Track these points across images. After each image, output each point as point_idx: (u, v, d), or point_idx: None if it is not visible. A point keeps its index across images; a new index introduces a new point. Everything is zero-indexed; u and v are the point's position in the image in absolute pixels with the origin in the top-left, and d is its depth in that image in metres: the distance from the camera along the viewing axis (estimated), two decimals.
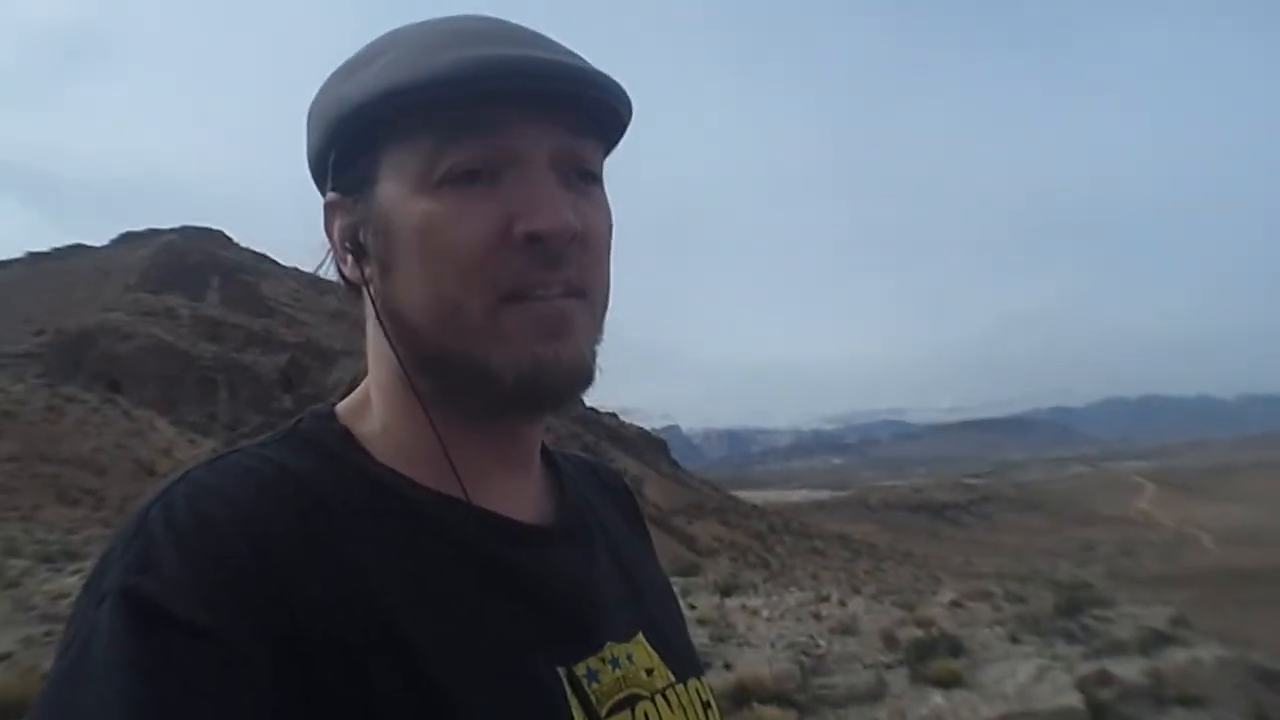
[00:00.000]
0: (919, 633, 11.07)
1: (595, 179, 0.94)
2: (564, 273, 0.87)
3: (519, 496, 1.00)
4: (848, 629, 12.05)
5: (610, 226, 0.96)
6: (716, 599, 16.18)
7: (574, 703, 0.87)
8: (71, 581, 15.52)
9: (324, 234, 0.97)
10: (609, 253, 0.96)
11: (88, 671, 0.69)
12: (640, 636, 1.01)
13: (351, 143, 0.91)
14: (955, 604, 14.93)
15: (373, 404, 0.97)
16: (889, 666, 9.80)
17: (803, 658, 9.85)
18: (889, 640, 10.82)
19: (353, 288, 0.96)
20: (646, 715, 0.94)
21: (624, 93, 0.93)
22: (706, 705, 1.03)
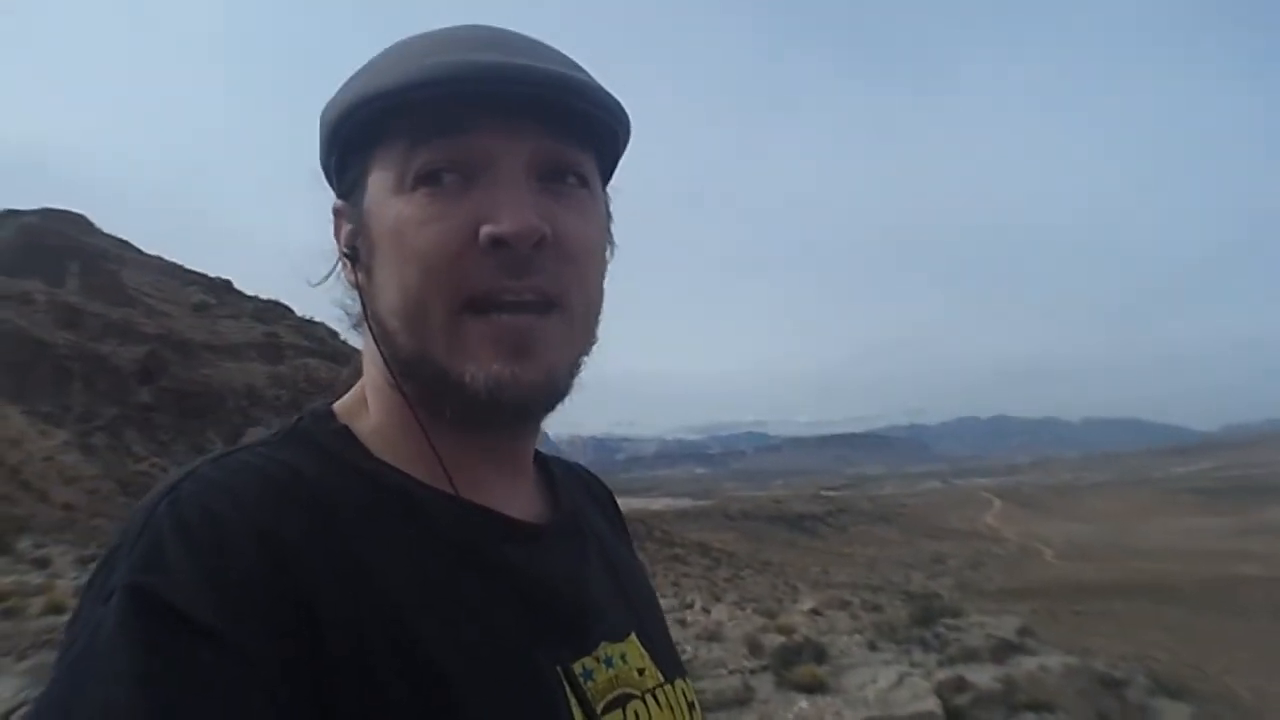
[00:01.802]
0: (782, 639, 11.39)
1: (584, 183, 0.93)
2: (533, 280, 0.87)
3: (513, 497, 1.01)
4: (713, 635, 12.31)
5: (600, 234, 0.97)
6: None
7: (572, 700, 0.88)
8: None
9: (333, 240, 1.00)
10: (596, 262, 0.96)
11: (94, 668, 0.68)
12: (633, 637, 1.03)
13: (344, 148, 0.94)
14: (815, 612, 15.41)
15: (368, 403, 0.99)
16: (754, 672, 10.06)
17: None
18: (754, 646, 11.10)
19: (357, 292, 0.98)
20: (638, 714, 0.95)
21: (615, 105, 0.93)
22: (691, 705, 1.06)
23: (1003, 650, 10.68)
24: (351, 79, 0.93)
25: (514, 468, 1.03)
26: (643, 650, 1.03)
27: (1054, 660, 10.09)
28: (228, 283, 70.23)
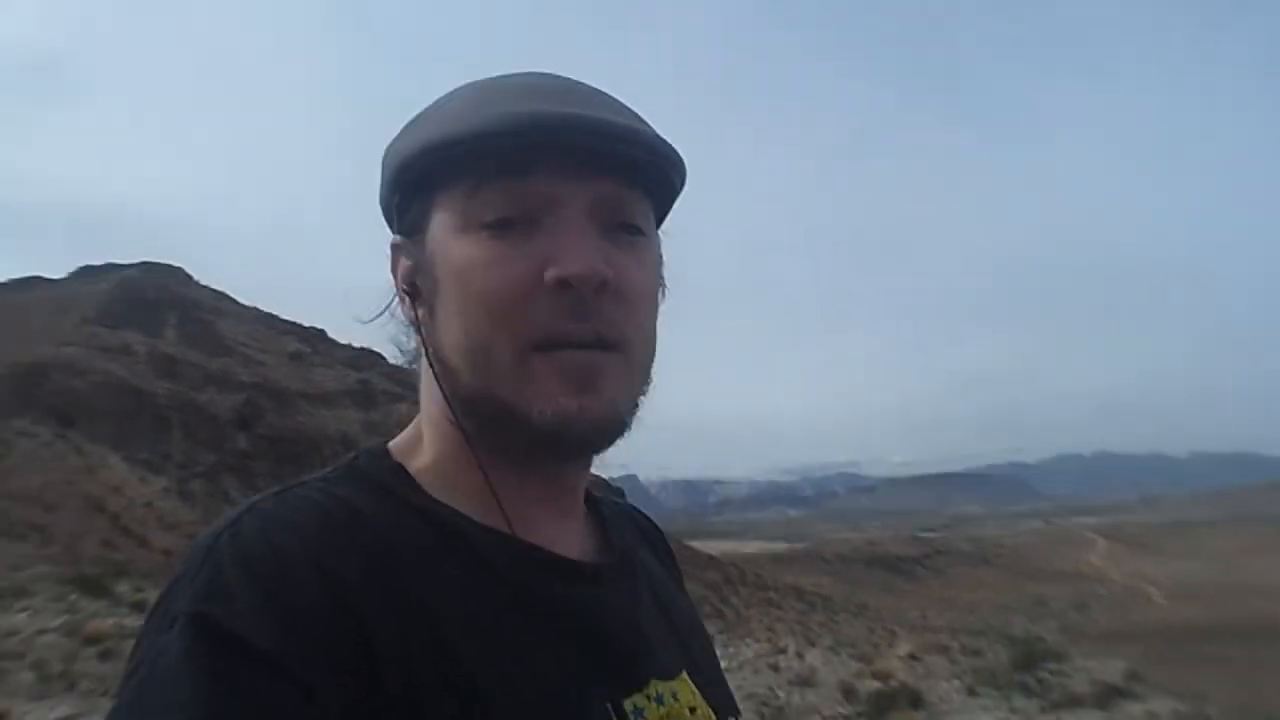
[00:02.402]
0: (878, 685, 11.06)
1: (640, 232, 0.96)
2: (594, 324, 0.89)
3: (566, 535, 1.02)
4: (806, 681, 12.01)
5: (656, 281, 0.99)
6: None
7: None
8: (20, 619, 15.24)
9: (389, 276, 1.02)
10: (651, 306, 0.98)
11: (157, 694, 0.70)
12: (684, 675, 1.02)
13: (408, 189, 0.96)
14: (912, 656, 15.00)
15: (424, 442, 1.01)
16: (849, 718, 9.77)
17: (763, 709, 9.82)
18: (848, 692, 10.81)
19: (414, 328, 1.00)
20: None
21: (674, 154, 0.96)
22: None
23: (1107, 695, 10.20)
24: (418, 121, 0.97)
25: (567, 507, 1.05)
26: (694, 689, 1.02)
27: (1163, 705, 9.61)
28: (321, 332, 72.02)
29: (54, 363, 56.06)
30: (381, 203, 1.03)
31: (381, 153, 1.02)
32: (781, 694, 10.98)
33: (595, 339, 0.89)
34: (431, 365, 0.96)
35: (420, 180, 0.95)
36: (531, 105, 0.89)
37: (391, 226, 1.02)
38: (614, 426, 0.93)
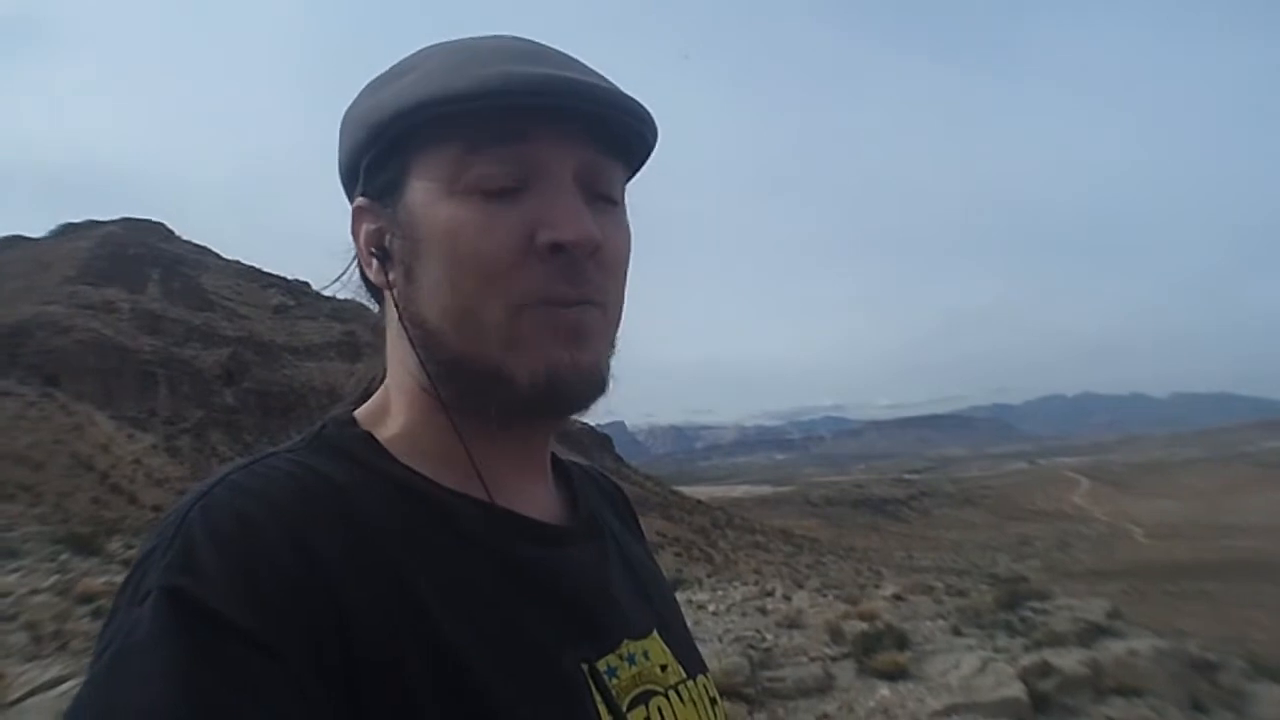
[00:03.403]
0: (864, 626, 11.19)
1: (615, 201, 0.97)
2: (584, 288, 0.90)
3: (536, 499, 1.02)
4: (794, 622, 12.13)
5: (629, 247, 0.99)
6: None
7: (597, 698, 0.89)
8: (11, 580, 15.26)
9: (350, 238, 1.00)
10: (625, 271, 0.98)
11: (131, 668, 0.69)
12: (655, 634, 1.03)
13: (385, 148, 0.93)
14: (898, 597, 15.11)
15: (392, 409, 0.99)
16: (835, 659, 9.88)
17: (750, 651, 9.91)
18: (835, 633, 10.92)
19: (375, 292, 1.00)
20: (661, 710, 0.96)
21: (651, 118, 0.96)
22: (714, 700, 1.06)
23: (1090, 633, 10.34)
24: (384, 83, 0.95)
25: (536, 471, 1.05)
26: (664, 647, 1.03)
27: (1144, 643, 9.73)
28: (305, 284, 71.19)
29: (37, 322, 55.62)
30: (344, 164, 0.99)
31: (343, 113, 0.99)
32: (769, 636, 11.07)
33: (584, 302, 0.90)
34: (406, 329, 0.94)
35: (398, 139, 0.92)
36: (512, 67, 0.88)
37: (353, 188, 0.99)
38: (600, 382, 0.93)
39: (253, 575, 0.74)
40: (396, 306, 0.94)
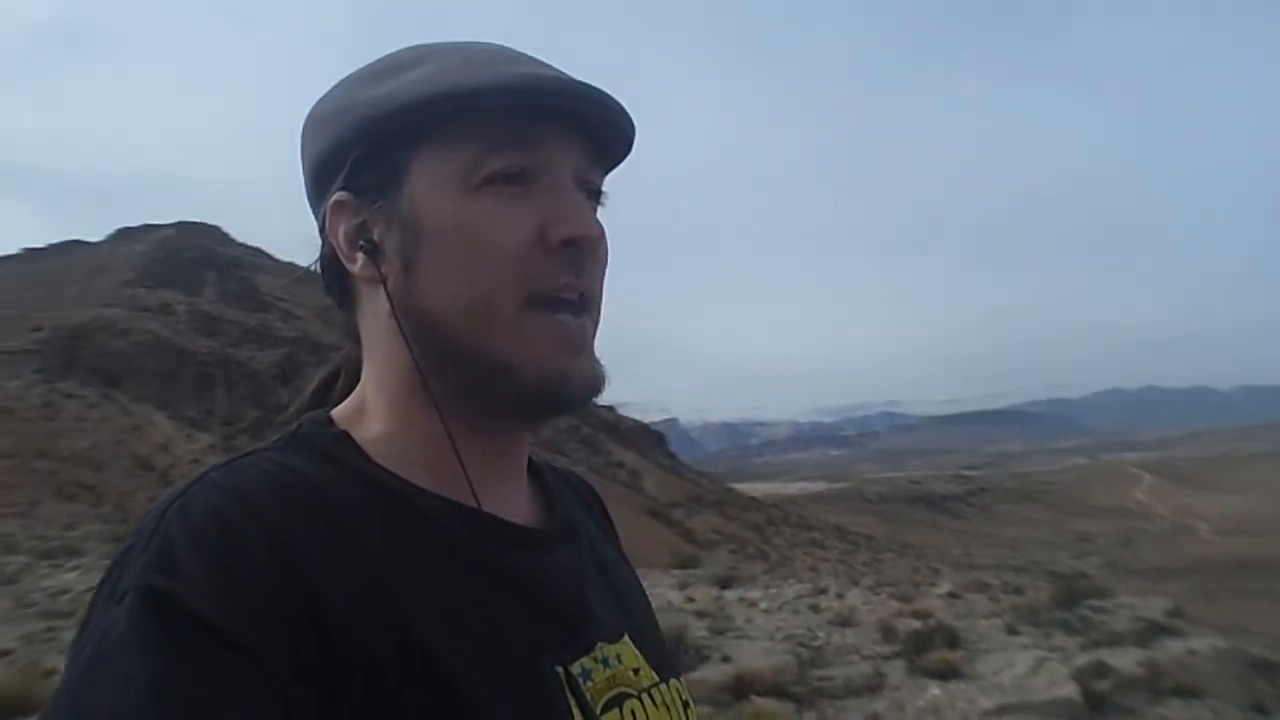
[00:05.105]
0: (917, 624, 11.07)
1: (601, 200, 1.01)
2: (584, 278, 0.94)
3: (513, 502, 1.04)
4: (846, 621, 12.03)
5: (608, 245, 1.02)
6: (715, 591, 16.22)
7: (571, 701, 0.90)
8: (71, 578, 15.51)
9: (319, 233, 1.00)
10: (606, 268, 1.01)
11: (107, 668, 0.69)
12: (627, 638, 1.04)
13: (382, 142, 0.93)
14: (953, 595, 14.97)
15: (370, 408, 0.99)
16: (887, 658, 9.78)
17: (801, 650, 9.83)
18: (887, 632, 10.81)
19: (345, 290, 1.01)
20: (634, 713, 0.97)
21: (633, 121, 1.00)
22: (686, 704, 1.07)
23: (1149, 633, 10.17)
24: (380, 77, 0.95)
25: (514, 473, 1.06)
26: (636, 651, 1.04)
27: (1203, 643, 9.55)
28: None
29: (96, 325, 56.73)
30: (320, 159, 0.98)
31: (312, 111, 1.01)
32: (821, 634, 10.98)
33: (580, 297, 0.94)
34: (400, 323, 0.94)
35: (400, 134, 0.92)
36: (524, 69, 0.92)
37: (327, 185, 0.98)
38: (601, 385, 0.97)
39: (231, 573, 0.74)
40: (390, 301, 0.94)
